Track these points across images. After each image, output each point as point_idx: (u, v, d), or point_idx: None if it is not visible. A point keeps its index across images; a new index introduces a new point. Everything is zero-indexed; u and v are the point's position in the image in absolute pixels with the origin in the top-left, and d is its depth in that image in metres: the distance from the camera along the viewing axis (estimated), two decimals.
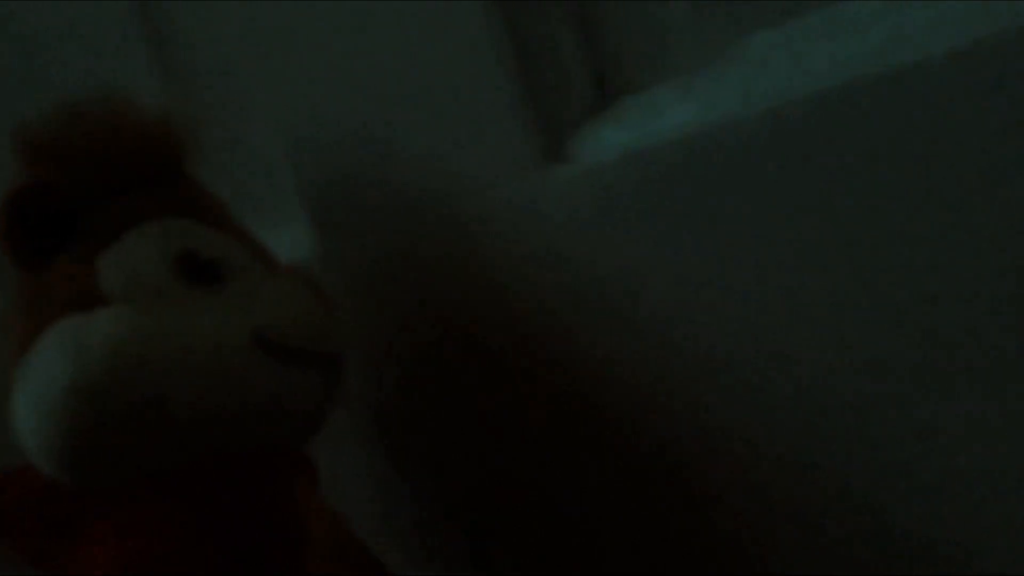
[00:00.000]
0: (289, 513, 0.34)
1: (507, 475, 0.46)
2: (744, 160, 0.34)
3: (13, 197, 0.33)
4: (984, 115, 0.30)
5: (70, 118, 0.34)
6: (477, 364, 0.44)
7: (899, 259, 0.33)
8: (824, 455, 0.37)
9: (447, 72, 0.39)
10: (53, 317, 0.33)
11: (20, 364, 0.33)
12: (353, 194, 0.44)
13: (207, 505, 0.33)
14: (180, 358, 0.33)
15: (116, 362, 0.31)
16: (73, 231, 0.34)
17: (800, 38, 0.35)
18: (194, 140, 0.38)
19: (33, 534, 0.33)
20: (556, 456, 0.44)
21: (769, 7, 0.36)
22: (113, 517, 0.32)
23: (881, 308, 0.34)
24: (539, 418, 0.43)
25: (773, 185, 0.34)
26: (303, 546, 0.34)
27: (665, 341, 0.38)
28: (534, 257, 0.40)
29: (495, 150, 0.39)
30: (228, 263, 0.36)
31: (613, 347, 0.40)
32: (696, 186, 0.35)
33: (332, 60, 0.42)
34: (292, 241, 0.47)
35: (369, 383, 0.47)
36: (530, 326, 0.42)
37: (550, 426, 0.43)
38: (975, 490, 0.34)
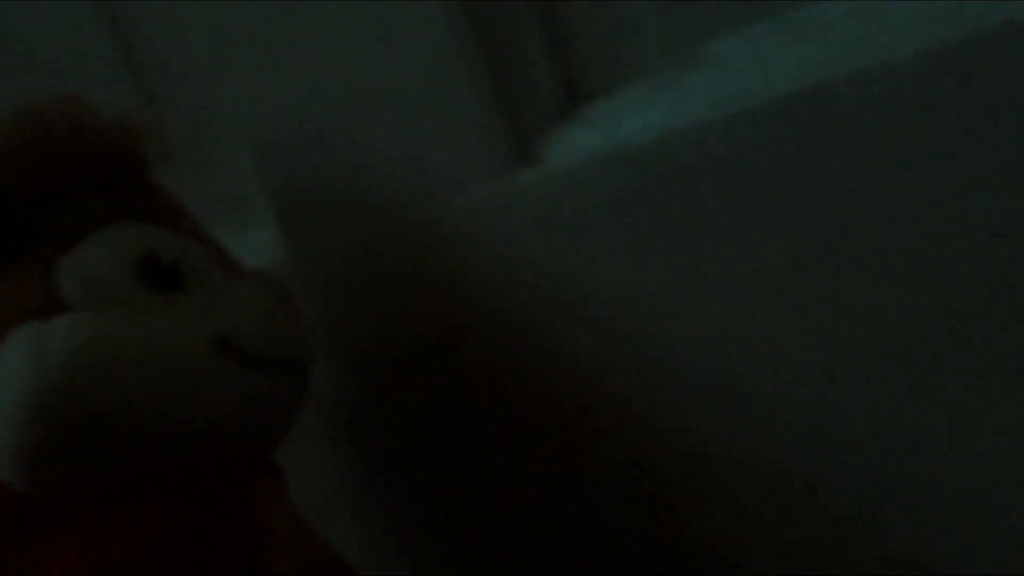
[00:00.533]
0: (256, 520, 0.34)
1: (479, 478, 0.45)
2: (713, 162, 0.34)
3: None
4: (953, 116, 0.30)
5: (25, 120, 0.34)
6: (448, 367, 0.44)
7: (870, 261, 0.33)
8: (812, 459, 0.37)
9: (415, 75, 0.39)
10: (10, 324, 0.32)
11: None
12: (321, 197, 0.44)
13: (171, 513, 0.32)
14: (142, 364, 0.32)
15: (78, 367, 0.31)
16: (28, 237, 0.34)
17: (768, 41, 0.35)
18: (155, 144, 0.37)
19: None
20: (529, 459, 0.43)
21: (737, 10, 0.36)
22: (75, 526, 0.32)
23: (858, 309, 0.34)
24: (511, 420, 0.43)
25: (743, 187, 0.34)
26: (270, 554, 0.33)
27: (637, 344, 0.38)
28: (504, 260, 0.40)
29: (464, 153, 0.39)
30: (190, 268, 0.35)
31: (583, 350, 0.40)
32: (666, 188, 0.35)
33: (298, 62, 0.41)
34: (261, 245, 0.47)
35: (339, 387, 0.47)
36: (500, 329, 0.42)
37: (520, 429, 0.43)
38: (969, 494, 0.34)
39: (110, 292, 0.33)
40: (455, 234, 0.41)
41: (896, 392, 0.34)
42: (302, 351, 0.37)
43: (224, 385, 0.34)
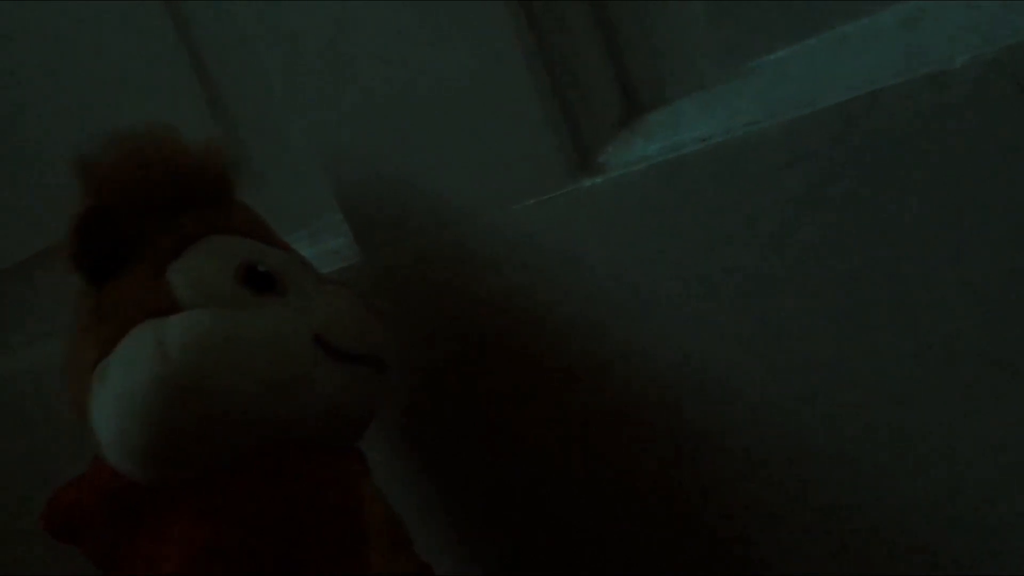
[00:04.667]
0: (350, 491, 0.36)
1: (527, 479, 0.46)
2: (768, 169, 0.35)
3: (80, 219, 0.35)
4: (1006, 124, 0.30)
5: (124, 151, 0.36)
6: (507, 372, 0.45)
7: (918, 267, 0.33)
8: (816, 463, 0.38)
9: (479, 89, 0.40)
10: (131, 322, 0.34)
11: (98, 368, 0.34)
12: (389, 206, 0.45)
13: (274, 495, 0.34)
14: (252, 356, 0.34)
15: (196, 358, 0.33)
16: (134, 250, 0.36)
17: (820, 52, 0.36)
18: (239, 166, 0.40)
19: (102, 534, 0.35)
20: (577, 461, 0.44)
21: (789, 23, 0.37)
22: (186, 507, 0.34)
23: (896, 315, 0.34)
24: (566, 424, 0.44)
25: (797, 194, 0.34)
26: (363, 529, 0.35)
27: (692, 349, 0.39)
28: (565, 265, 0.41)
29: (526, 162, 0.40)
30: (283, 274, 0.37)
31: (641, 355, 0.40)
32: (722, 195, 0.36)
33: (367, 81, 0.43)
34: (333, 251, 0.48)
35: (401, 386, 0.48)
36: (560, 332, 0.42)
37: (576, 433, 0.44)
38: (963, 497, 0.35)
39: (217, 293, 0.35)
40: (518, 240, 0.41)
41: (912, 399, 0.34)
42: (384, 349, 0.40)
43: (320, 377, 0.36)
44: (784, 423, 0.38)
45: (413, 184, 0.44)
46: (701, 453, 0.41)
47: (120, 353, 0.34)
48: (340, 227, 0.48)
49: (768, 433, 0.38)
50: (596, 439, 0.43)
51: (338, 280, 0.42)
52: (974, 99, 0.31)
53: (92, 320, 0.36)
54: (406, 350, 0.46)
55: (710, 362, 0.39)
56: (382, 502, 0.36)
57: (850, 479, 0.37)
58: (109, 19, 0.53)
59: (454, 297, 0.45)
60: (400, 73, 0.42)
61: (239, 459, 0.34)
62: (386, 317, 0.43)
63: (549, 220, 0.40)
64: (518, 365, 0.44)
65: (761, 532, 0.40)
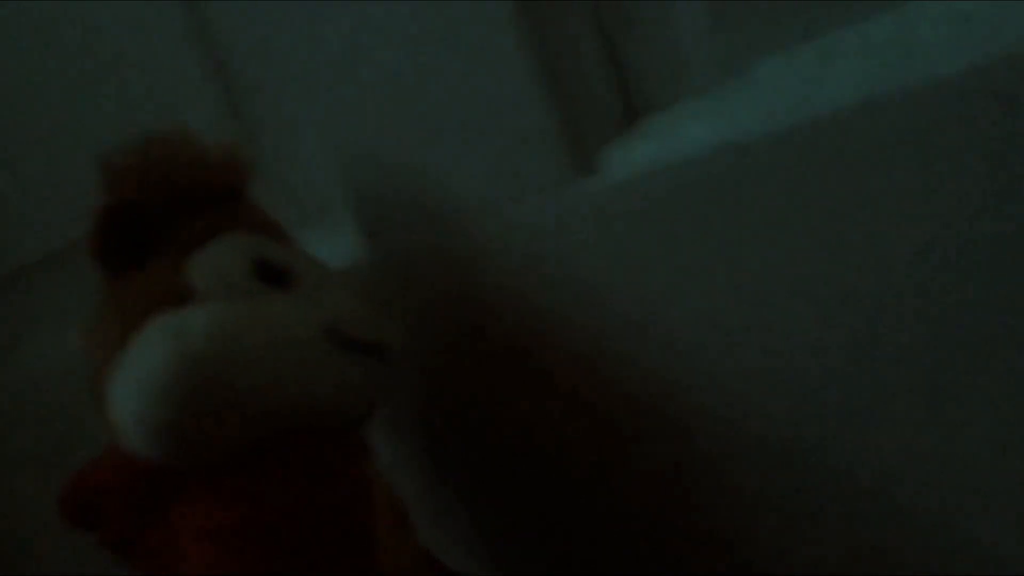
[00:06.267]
0: (360, 482, 0.37)
1: (526, 477, 0.47)
2: (764, 173, 0.35)
3: (102, 214, 0.37)
4: (996, 131, 0.31)
5: (145, 151, 0.38)
6: (507, 370, 0.45)
7: (912, 273, 0.33)
8: (819, 464, 0.38)
9: (483, 91, 0.41)
10: (151, 313, 0.36)
11: (119, 356, 0.36)
12: (395, 204, 0.46)
13: (293, 478, 0.36)
14: (267, 345, 0.36)
15: (215, 347, 0.34)
16: (153, 244, 0.38)
17: (815, 60, 0.36)
18: (252, 168, 0.41)
19: (125, 516, 0.36)
20: (576, 460, 0.45)
21: (786, 30, 0.37)
22: (202, 491, 0.35)
23: (889, 318, 0.34)
24: (566, 423, 0.44)
25: (792, 198, 0.35)
26: (373, 508, 0.37)
27: (691, 351, 0.39)
28: (565, 265, 0.41)
29: (528, 164, 0.41)
30: (294, 269, 0.39)
31: (641, 357, 0.41)
32: (719, 198, 0.36)
33: (377, 82, 0.43)
34: (340, 247, 0.49)
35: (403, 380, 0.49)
36: (559, 330, 0.43)
37: (576, 431, 0.44)
38: (961, 501, 0.35)
39: (233, 286, 0.37)
40: (519, 240, 0.42)
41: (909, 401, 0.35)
42: (392, 339, 0.41)
43: (331, 365, 0.37)
44: (783, 424, 0.38)
45: (421, 184, 0.44)
46: (700, 454, 0.41)
47: (141, 341, 0.35)
48: (349, 225, 0.49)
49: (766, 433, 0.39)
50: (595, 438, 0.44)
51: (346, 275, 0.43)
52: (965, 109, 0.31)
53: (113, 310, 0.37)
54: (411, 346, 0.46)
55: (708, 364, 0.39)
56: (387, 484, 0.38)
57: (848, 479, 0.38)
58: (127, 19, 0.54)
59: (458, 295, 0.45)
60: (407, 76, 0.42)
61: (252, 445, 0.36)
62: (393, 310, 0.44)
63: (549, 219, 0.41)
64: (519, 363, 0.45)
65: (759, 532, 0.41)
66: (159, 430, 0.34)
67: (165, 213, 0.38)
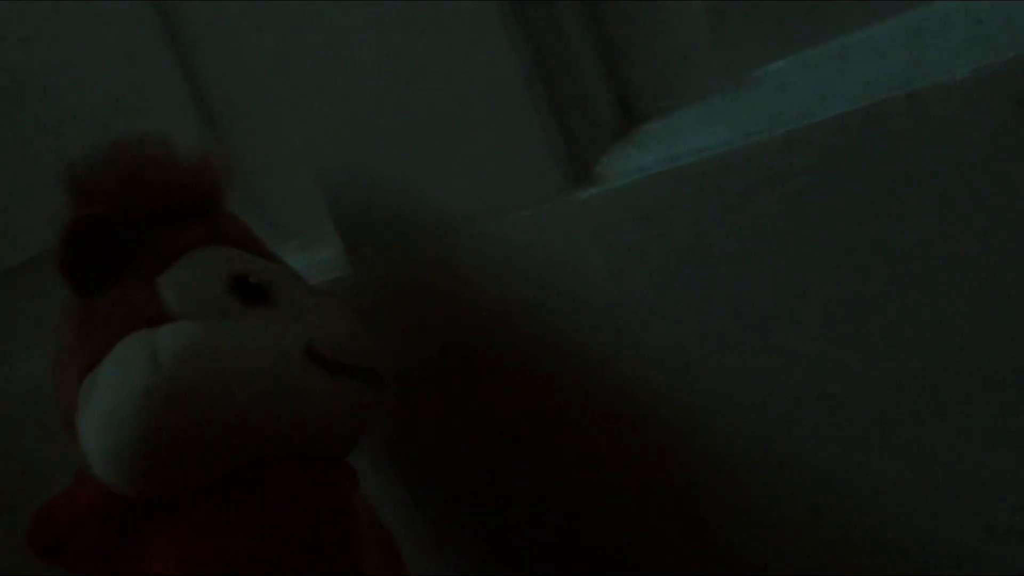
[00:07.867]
0: (343, 513, 0.35)
1: (520, 489, 0.46)
2: (766, 182, 0.35)
3: (70, 228, 0.34)
4: (1008, 135, 0.30)
5: (114, 159, 0.36)
6: (500, 382, 0.44)
7: (917, 278, 0.33)
8: (808, 468, 0.38)
9: (475, 98, 0.40)
10: (120, 334, 0.34)
11: (87, 380, 0.34)
12: (382, 216, 0.45)
13: (270, 507, 0.34)
14: (244, 367, 0.34)
15: (188, 368, 0.33)
16: (124, 260, 0.36)
17: (820, 63, 0.36)
18: (230, 177, 0.39)
19: (94, 550, 0.34)
20: (571, 469, 0.44)
21: (789, 34, 0.37)
22: (181, 523, 0.33)
23: (893, 324, 0.34)
24: (561, 434, 0.44)
25: (795, 206, 0.35)
26: (356, 541, 0.35)
27: (690, 359, 0.39)
28: (561, 275, 0.41)
29: (523, 172, 0.40)
30: (273, 285, 0.37)
31: (637, 364, 0.40)
32: (718, 207, 0.36)
33: (359, 88, 0.42)
34: (323, 261, 0.48)
35: (392, 397, 0.48)
36: (556, 341, 0.42)
37: (571, 442, 0.44)
38: (960, 503, 0.35)
39: (208, 304, 0.35)
40: (512, 251, 0.41)
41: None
42: (376, 360, 0.39)
43: (312, 388, 0.35)
44: (778, 428, 0.38)
45: (406, 194, 0.43)
46: (697, 459, 0.41)
47: (110, 364, 0.33)
48: (331, 238, 0.48)
49: (762, 438, 0.38)
50: (591, 448, 0.43)
51: (329, 291, 0.42)
52: (976, 112, 0.31)
53: (81, 331, 0.35)
54: (398, 361, 0.45)
55: (707, 371, 0.39)
56: (373, 516, 0.36)
57: (841, 483, 0.37)
58: (97, 22, 0.53)
59: (446, 308, 0.45)
60: (394, 82, 0.42)
61: (231, 472, 0.34)
62: (378, 328, 0.43)
63: (544, 230, 0.40)
64: (511, 375, 0.44)
65: (755, 534, 0.40)
66: (130, 465, 0.33)
67: (137, 227, 0.36)
